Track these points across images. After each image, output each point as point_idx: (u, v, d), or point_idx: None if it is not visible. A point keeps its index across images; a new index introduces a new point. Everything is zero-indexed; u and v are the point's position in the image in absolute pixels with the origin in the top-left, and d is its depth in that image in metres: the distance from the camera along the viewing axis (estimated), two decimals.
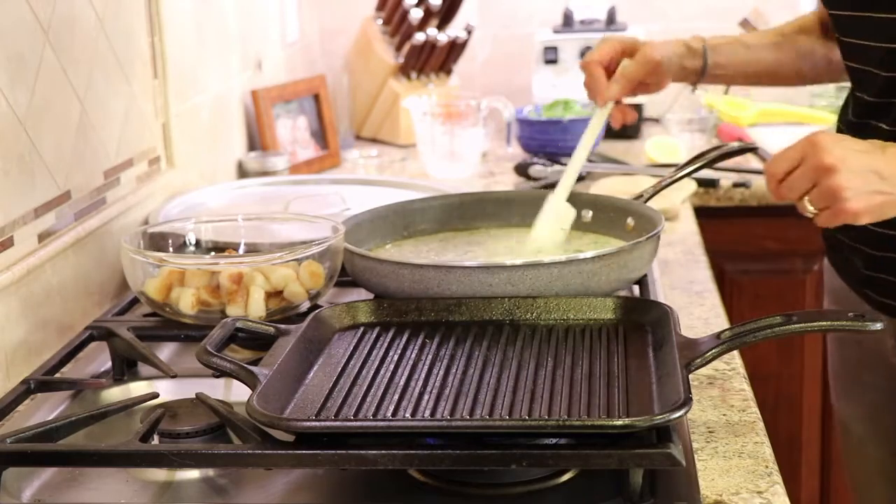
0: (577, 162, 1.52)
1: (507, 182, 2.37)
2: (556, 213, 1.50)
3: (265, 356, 1.14)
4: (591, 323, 1.26)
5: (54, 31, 1.45)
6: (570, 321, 1.27)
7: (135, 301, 1.48)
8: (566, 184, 1.51)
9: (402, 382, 1.11)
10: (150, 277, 1.38)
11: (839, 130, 1.55)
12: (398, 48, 2.70)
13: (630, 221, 1.52)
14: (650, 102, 2.74)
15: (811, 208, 1.21)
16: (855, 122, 1.46)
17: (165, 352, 1.40)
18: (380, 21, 2.75)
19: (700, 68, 1.61)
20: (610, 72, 1.55)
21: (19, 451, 1.04)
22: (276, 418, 1.00)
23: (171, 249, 1.50)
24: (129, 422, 1.17)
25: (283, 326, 1.23)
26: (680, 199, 2.08)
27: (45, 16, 1.43)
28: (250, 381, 1.08)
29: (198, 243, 1.54)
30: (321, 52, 2.99)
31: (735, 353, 1.32)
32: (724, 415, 1.20)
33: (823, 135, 1.21)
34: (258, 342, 1.24)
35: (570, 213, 1.51)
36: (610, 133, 2.57)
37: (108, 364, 1.34)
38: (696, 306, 1.55)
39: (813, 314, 1.18)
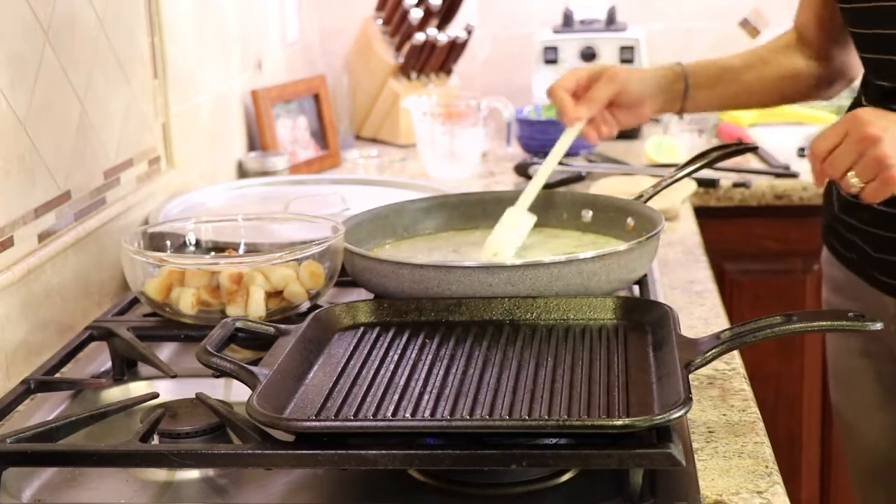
0: (541, 176, 1.53)
1: (507, 182, 2.37)
2: (512, 222, 1.50)
3: (265, 356, 1.14)
4: (591, 323, 1.26)
5: (54, 31, 1.45)
6: (570, 321, 1.27)
7: (135, 301, 1.48)
8: (527, 196, 1.51)
9: (402, 382, 1.11)
10: (150, 277, 1.38)
11: None
12: (398, 48, 2.70)
13: (630, 221, 1.52)
14: None
15: (857, 182, 1.22)
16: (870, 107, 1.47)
17: (165, 352, 1.40)
18: (380, 21, 2.75)
19: (682, 91, 1.61)
20: (579, 98, 1.56)
21: (19, 451, 1.04)
22: (276, 418, 1.00)
23: (170, 249, 1.50)
24: (129, 422, 1.17)
25: (283, 326, 1.23)
26: (680, 199, 2.07)
27: (45, 16, 1.43)
28: (250, 381, 1.08)
29: (198, 243, 1.54)
30: (321, 52, 2.99)
31: (735, 353, 1.32)
32: (724, 415, 1.20)
33: (863, 110, 1.23)
34: (258, 342, 1.24)
35: (529, 221, 1.50)
36: None
37: (108, 364, 1.34)
38: (696, 306, 1.55)
39: (813, 314, 1.18)
